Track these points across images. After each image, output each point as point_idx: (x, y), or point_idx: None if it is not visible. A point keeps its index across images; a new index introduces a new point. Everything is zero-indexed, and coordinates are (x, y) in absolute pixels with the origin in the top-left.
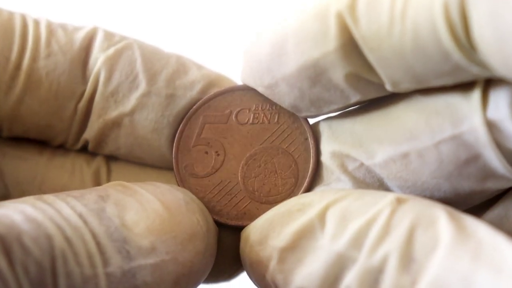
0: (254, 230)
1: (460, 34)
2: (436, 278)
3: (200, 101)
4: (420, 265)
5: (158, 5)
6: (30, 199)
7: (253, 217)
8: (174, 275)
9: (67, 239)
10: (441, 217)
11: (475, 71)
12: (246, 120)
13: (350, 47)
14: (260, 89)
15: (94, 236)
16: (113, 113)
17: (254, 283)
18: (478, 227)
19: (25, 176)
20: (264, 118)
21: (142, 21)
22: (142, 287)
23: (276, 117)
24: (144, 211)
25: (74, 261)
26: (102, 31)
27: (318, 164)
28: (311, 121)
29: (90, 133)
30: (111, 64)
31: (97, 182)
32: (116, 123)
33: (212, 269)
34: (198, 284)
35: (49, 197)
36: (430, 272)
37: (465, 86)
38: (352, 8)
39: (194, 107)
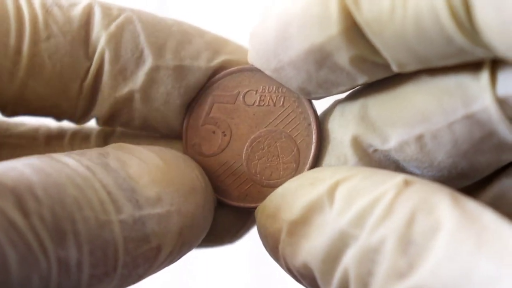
0: (268, 202)
1: (462, 18)
2: (437, 263)
3: (210, 81)
4: (420, 249)
5: None
6: (34, 156)
7: (254, 199)
8: (178, 226)
9: (78, 187)
10: (445, 202)
11: (479, 53)
12: (253, 102)
13: (354, 30)
14: (267, 72)
15: (104, 186)
16: (123, 90)
17: (269, 255)
18: (482, 213)
19: None
20: (270, 101)
21: None
22: (151, 235)
23: (282, 100)
24: (146, 166)
25: (89, 208)
26: (99, 6)
27: (319, 150)
28: (324, 106)
29: (100, 111)
30: (115, 42)
31: None
32: (127, 99)
33: (212, 245)
34: (199, 239)
35: (53, 154)
36: (431, 257)
37: (473, 65)
38: None
39: (205, 86)
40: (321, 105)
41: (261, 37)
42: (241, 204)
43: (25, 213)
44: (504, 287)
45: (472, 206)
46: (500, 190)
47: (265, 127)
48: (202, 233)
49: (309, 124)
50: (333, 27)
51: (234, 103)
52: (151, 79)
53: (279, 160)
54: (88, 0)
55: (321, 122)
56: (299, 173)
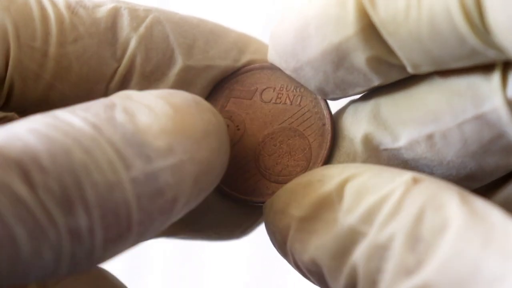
0: (277, 198)
1: (475, 19)
2: (445, 260)
3: (230, 75)
4: (428, 246)
5: None
6: (37, 116)
7: (261, 194)
8: (193, 174)
9: (86, 150)
10: (453, 200)
11: (491, 55)
12: (270, 99)
13: (370, 31)
14: (287, 72)
15: (112, 144)
16: None
17: (277, 251)
18: (490, 211)
19: None
20: (287, 99)
21: None
22: (165, 188)
23: (299, 99)
24: (154, 114)
25: (97, 171)
26: (125, 7)
27: (332, 151)
28: (339, 106)
29: None
30: (145, 43)
31: None
32: None
33: (220, 238)
34: (216, 182)
35: (56, 112)
36: (439, 254)
37: (485, 67)
38: None
39: (223, 79)
40: (337, 107)
41: (280, 37)
42: (248, 198)
43: (32, 186)
44: (510, 285)
45: (480, 204)
46: (510, 195)
47: (279, 125)
48: (219, 177)
49: (324, 125)
50: (350, 27)
51: (251, 99)
52: (182, 79)
53: (290, 157)
54: (113, 1)
55: (335, 122)
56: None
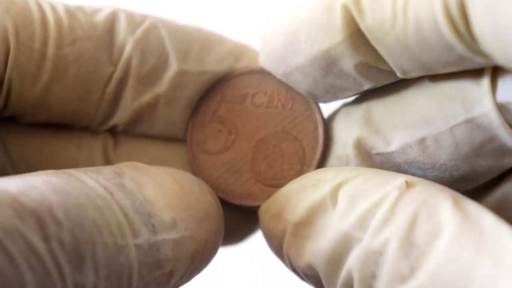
0: (272, 203)
1: (461, 28)
2: (438, 267)
3: (220, 80)
4: (421, 251)
5: None
6: (51, 172)
7: (256, 198)
8: (190, 252)
9: (98, 209)
10: (446, 204)
11: (479, 61)
12: (261, 103)
13: (358, 38)
14: (278, 76)
15: (122, 208)
16: (148, 95)
17: (274, 254)
18: (482, 216)
19: (32, 150)
20: (279, 103)
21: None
22: (165, 261)
23: (291, 103)
24: (161, 189)
25: (107, 231)
26: (123, 12)
27: (325, 154)
28: (331, 109)
29: (122, 117)
30: (141, 47)
31: (105, 154)
32: (151, 104)
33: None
34: (206, 265)
35: (70, 171)
36: (431, 260)
37: (474, 71)
38: (357, 0)
39: (214, 84)
40: (329, 109)
41: (270, 42)
42: (243, 203)
43: (45, 237)
44: None
45: (473, 208)
46: (504, 195)
47: (272, 128)
48: (211, 259)
49: (316, 128)
50: (337, 34)
51: (243, 104)
52: (176, 83)
53: (284, 161)
54: (111, 6)
55: (327, 124)
56: (303, 174)
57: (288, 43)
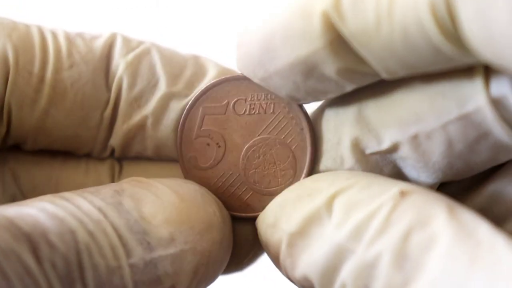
0: (269, 212)
1: (449, 29)
2: (432, 280)
3: (198, 93)
4: (415, 264)
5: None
6: (47, 197)
7: (256, 208)
8: (193, 265)
9: (90, 233)
10: (441, 214)
11: (468, 61)
12: (243, 111)
13: (338, 43)
14: (255, 81)
15: (115, 229)
16: (136, 117)
17: (272, 263)
18: (477, 226)
19: (41, 179)
20: (260, 108)
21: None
22: (164, 277)
23: (272, 107)
24: (161, 203)
25: (99, 254)
26: (120, 37)
27: (315, 154)
28: (316, 107)
29: (115, 140)
30: (133, 69)
31: (113, 178)
32: (139, 126)
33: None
34: (216, 275)
35: (66, 194)
36: (426, 274)
37: (467, 67)
38: (337, 6)
39: (193, 99)
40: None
41: (245, 47)
42: (243, 214)
43: (39, 259)
44: None
45: (468, 217)
46: (495, 191)
47: (258, 136)
48: (220, 269)
49: (302, 129)
50: (317, 40)
51: (225, 114)
52: (163, 105)
53: (276, 167)
54: (111, 32)
55: (314, 122)
56: (297, 178)
57: (264, 49)
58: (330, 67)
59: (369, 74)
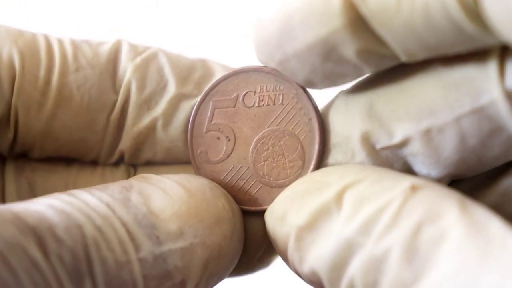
0: (277, 204)
1: (471, 7)
2: (442, 277)
3: (208, 87)
4: (425, 259)
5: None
6: (56, 194)
7: (265, 201)
8: (203, 259)
9: (98, 228)
10: (452, 209)
11: (489, 41)
12: (253, 103)
13: (358, 23)
14: (272, 65)
15: (124, 224)
16: (146, 120)
17: (280, 257)
18: (489, 221)
19: (57, 187)
20: (269, 100)
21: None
22: (174, 271)
23: (281, 98)
24: (169, 198)
25: (107, 248)
26: (126, 43)
27: (324, 145)
28: (325, 97)
29: (125, 144)
30: (141, 73)
31: None
32: (150, 129)
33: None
34: (228, 270)
35: (74, 191)
36: (436, 270)
37: (481, 58)
38: None
39: (203, 93)
40: (321, 97)
41: (264, 28)
42: (252, 208)
43: (46, 253)
44: None
45: (480, 213)
46: (508, 187)
47: (267, 127)
48: (231, 263)
49: (310, 119)
50: (336, 20)
51: (235, 107)
52: (173, 106)
53: (285, 159)
54: (116, 38)
55: (324, 115)
56: (306, 170)
57: (283, 30)
58: (349, 48)
59: (388, 57)
